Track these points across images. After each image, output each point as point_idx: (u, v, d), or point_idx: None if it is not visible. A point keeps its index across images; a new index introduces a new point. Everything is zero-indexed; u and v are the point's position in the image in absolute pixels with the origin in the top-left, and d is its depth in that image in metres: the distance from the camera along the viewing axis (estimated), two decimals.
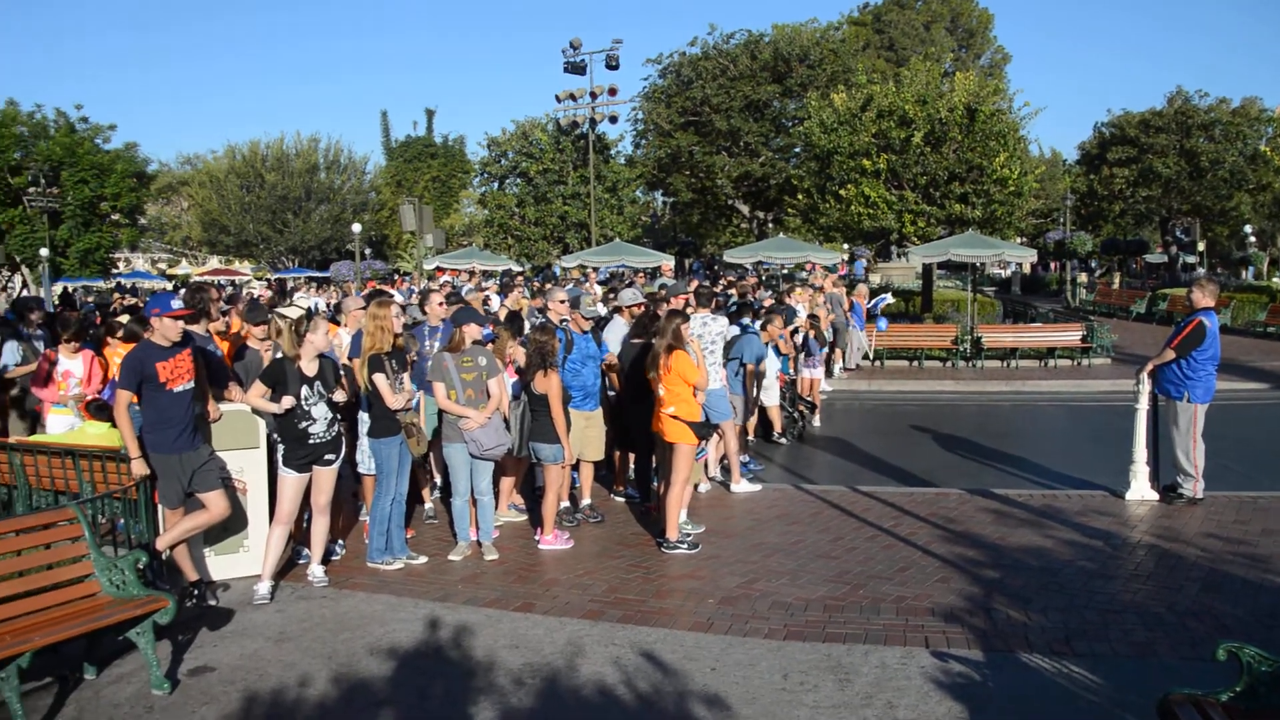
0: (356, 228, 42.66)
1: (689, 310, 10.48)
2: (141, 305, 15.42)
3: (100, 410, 9.22)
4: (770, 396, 13.96)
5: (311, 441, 7.71)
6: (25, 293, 43.66)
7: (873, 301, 23.70)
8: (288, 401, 7.58)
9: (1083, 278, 50.80)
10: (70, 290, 35.66)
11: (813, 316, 16.64)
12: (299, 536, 8.46)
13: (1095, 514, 9.75)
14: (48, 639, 5.45)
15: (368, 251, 55.37)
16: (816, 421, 16.11)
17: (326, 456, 7.82)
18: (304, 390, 7.65)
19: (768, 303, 15.32)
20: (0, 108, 48.09)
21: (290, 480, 7.74)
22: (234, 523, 7.98)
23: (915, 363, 23.96)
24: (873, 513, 10.09)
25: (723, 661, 6.32)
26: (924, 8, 69.72)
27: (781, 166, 45.10)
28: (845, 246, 42.42)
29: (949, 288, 43.24)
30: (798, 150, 44.09)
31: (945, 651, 6.40)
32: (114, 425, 9.07)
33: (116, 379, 9.77)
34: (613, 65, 37.25)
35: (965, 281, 41.05)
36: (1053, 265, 63.08)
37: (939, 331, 25.06)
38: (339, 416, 7.99)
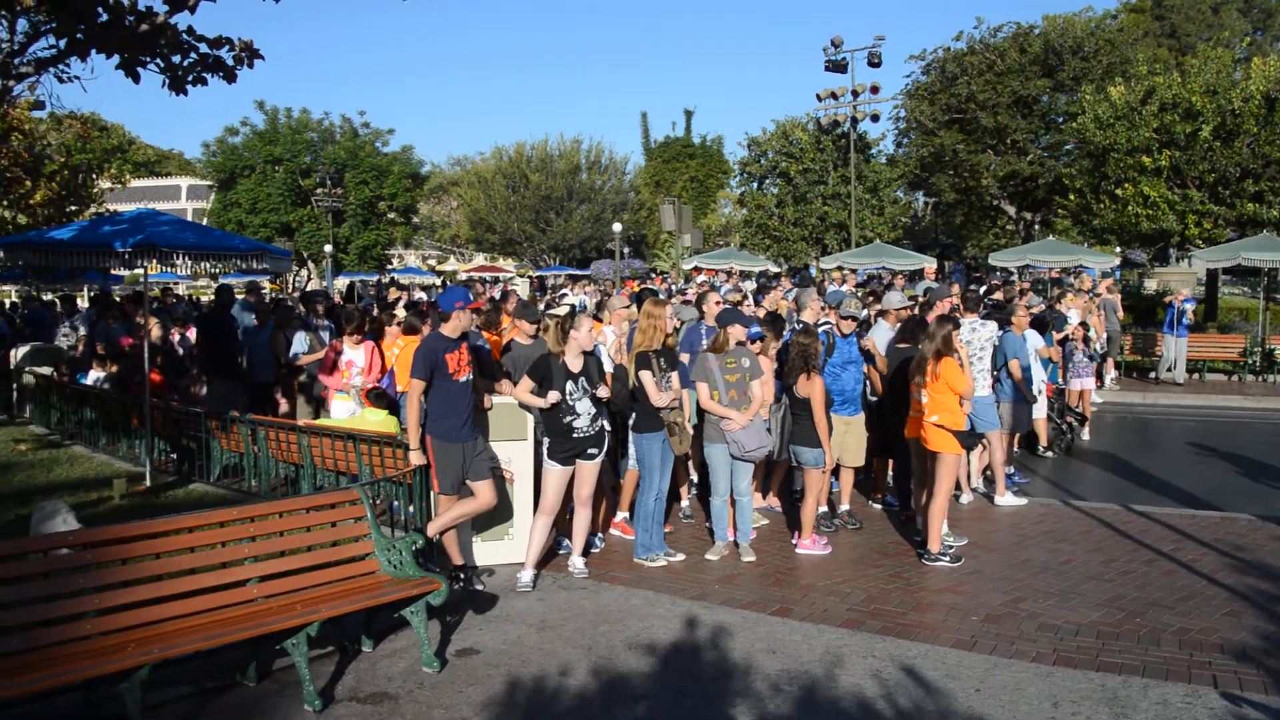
0: (617, 227, 43.55)
1: (956, 315, 10.17)
2: (425, 300, 16.24)
3: (380, 398, 9.78)
4: (1038, 408, 13.33)
5: (575, 435, 7.87)
6: (311, 286, 46.92)
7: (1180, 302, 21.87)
8: (554, 396, 7.79)
9: None
10: (354, 284, 38.07)
11: (1083, 324, 15.85)
12: (562, 527, 8.72)
13: None
14: (334, 611, 5.76)
15: (626, 250, 56.49)
16: (1086, 435, 15.31)
17: (590, 450, 7.97)
18: (569, 386, 7.83)
19: (1034, 310, 14.67)
20: (295, 116, 52.06)
21: (554, 472, 7.94)
22: (500, 511, 8.24)
23: (1196, 375, 22.35)
24: (1150, 535, 9.44)
25: (987, 683, 6.04)
26: None
27: (1051, 165, 43.01)
28: (1118, 250, 40.20)
29: (1235, 295, 40.24)
30: (1069, 148, 41.96)
31: (1238, 694, 5.84)
32: (391, 413, 9.65)
33: (395, 368, 10.44)
34: (875, 63, 36.57)
35: (1255, 288, 38.10)
36: None
37: (1224, 342, 23.31)
38: (604, 412, 8.15)
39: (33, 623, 5.03)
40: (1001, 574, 8.28)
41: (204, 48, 8.71)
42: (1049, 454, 13.69)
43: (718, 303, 10.22)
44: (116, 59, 8.25)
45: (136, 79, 8.45)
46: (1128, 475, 12.84)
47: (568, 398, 7.82)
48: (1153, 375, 21.78)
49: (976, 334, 10.50)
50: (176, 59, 8.69)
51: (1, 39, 8.07)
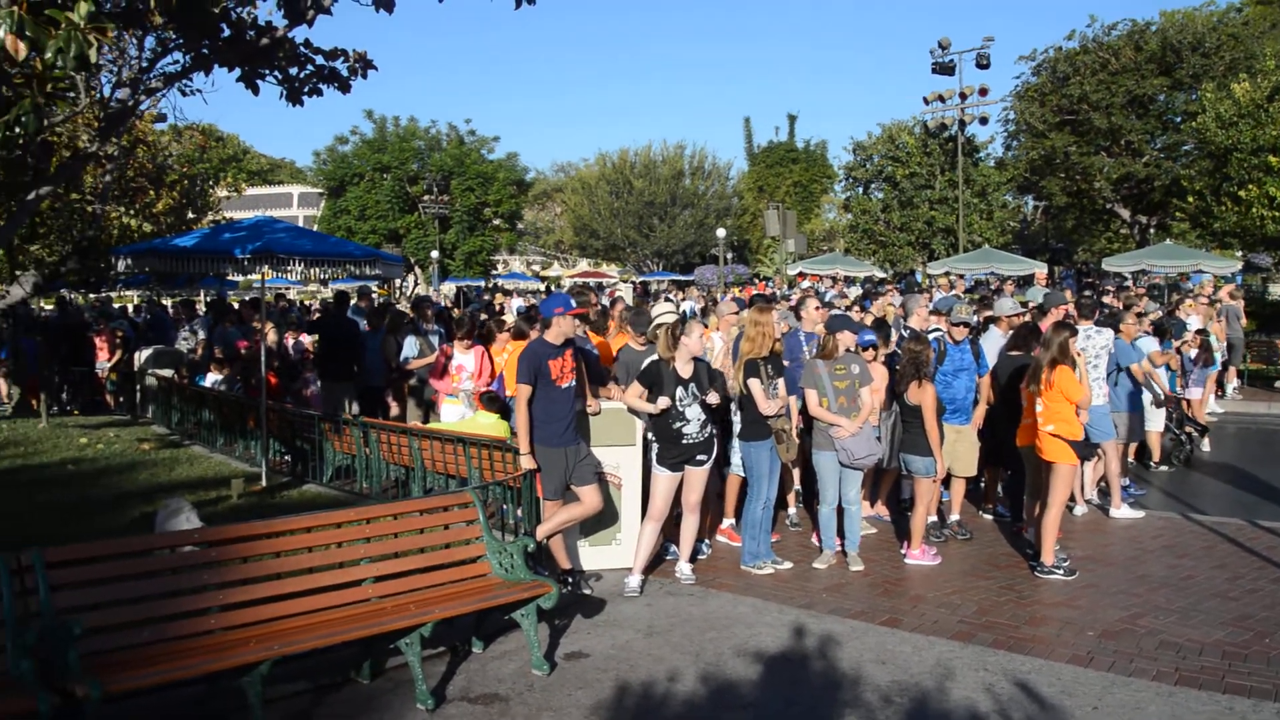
0: (721, 232, 43.59)
1: (1070, 321, 9.95)
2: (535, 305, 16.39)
3: (492, 402, 9.90)
4: (1153, 421, 12.94)
5: (685, 441, 7.87)
6: (418, 291, 47.83)
7: None
8: (663, 402, 7.81)
9: None
10: (465, 289, 38.81)
11: (1201, 331, 15.37)
12: (668, 533, 8.73)
13: None
14: (447, 613, 5.84)
15: (729, 256, 56.42)
16: (1206, 446, 14.81)
17: (699, 457, 7.95)
18: (679, 392, 7.84)
19: (1151, 316, 14.27)
20: (402, 124, 53.14)
21: (663, 478, 7.95)
22: (607, 516, 8.28)
23: None
24: (1278, 552, 9.07)
25: (1105, 701, 5.86)
26: None
27: (1168, 166, 41.73)
28: (1240, 254, 38.88)
29: None
30: (1188, 148, 40.73)
31: None
32: (503, 417, 9.76)
33: (504, 373, 10.56)
34: (983, 64, 35.99)
35: None
36: None
37: None
38: (713, 418, 8.12)
39: (160, 617, 5.21)
40: (1118, 589, 8.05)
41: (320, 59, 8.93)
42: (1162, 468, 13.27)
43: (817, 308, 10.15)
44: (237, 72, 8.51)
45: (256, 91, 8.70)
46: (1251, 489, 12.37)
47: (677, 404, 7.83)
48: (1278, 385, 20.97)
49: (1091, 341, 10.24)
50: (294, 71, 8.92)
51: (130, 56, 8.39)
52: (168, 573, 5.41)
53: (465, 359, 11.08)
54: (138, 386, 18.43)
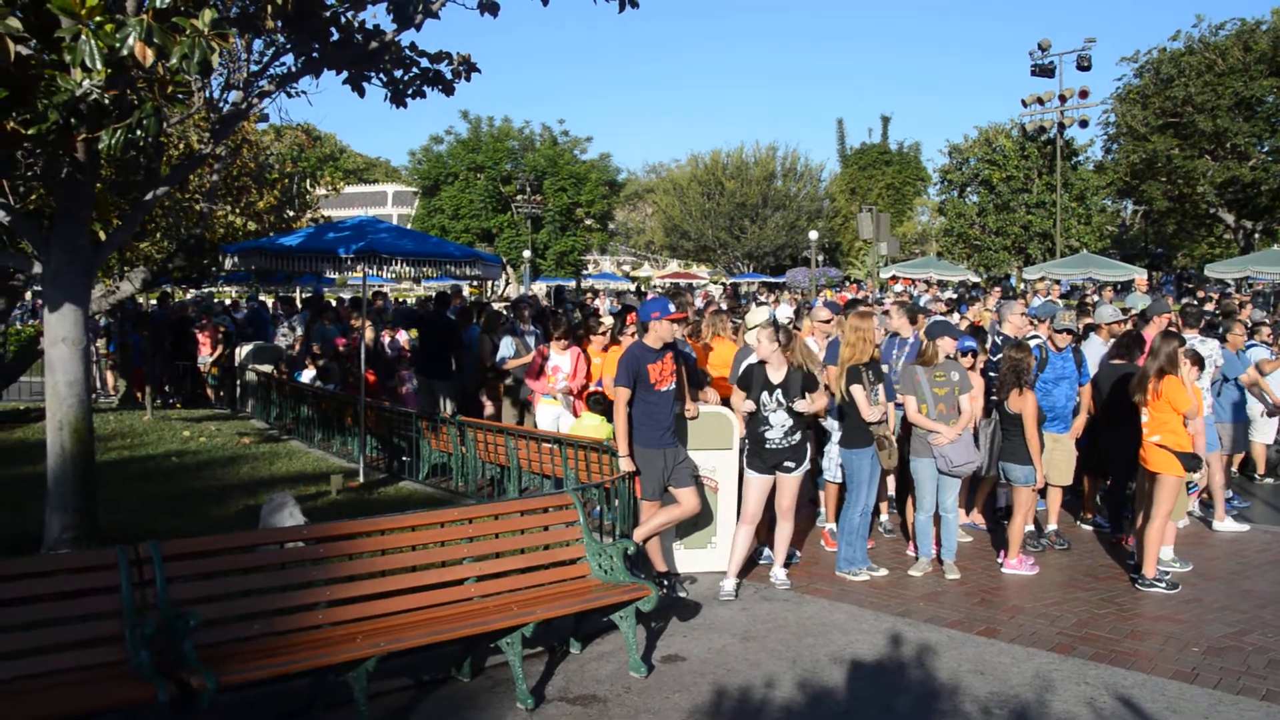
0: (814, 235, 43.39)
1: (1174, 329, 9.73)
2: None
3: (598, 404, 9.96)
4: (1260, 432, 12.56)
5: (768, 447, 7.84)
6: (510, 290, 48.31)
7: None
8: (748, 405, 7.83)
9: None
10: (564, 289, 39.15)
11: None
12: (764, 537, 8.71)
13: None
14: (549, 614, 5.90)
15: (821, 258, 56.08)
16: None
17: (786, 464, 7.90)
18: (764, 396, 7.83)
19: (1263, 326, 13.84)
20: (497, 124, 53.70)
21: (754, 481, 7.93)
22: (702, 519, 8.30)
23: None
24: None
25: (1212, 719, 5.78)
26: None
27: (1276, 170, 40.57)
28: None
29: None
30: None
31: None
32: (608, 419, 9.82)
33: (604, 377, 10.62)
34: (1084, 66, 35.38)
35: None
36: None
37: None
38: (803, 426, 8.03)
39: (269, 611, 5.35)
40: (1223, 604, 7.86)
41: (425, 62, 9.05)
42: (1267, 480, 12.88)
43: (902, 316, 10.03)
44: (344, 74, 8.68)
45: (362, 93, 8.86)
46: None
47: (762, 408, 7.82)
48: None
49: (1199, 351, 9.99)
50: (399, 73, 9.06)
51: (240, 58, 8.60)
52: (277, 568, 5.54)
53: (561, 360, 11.15)
54: (238, 381, 18.91)
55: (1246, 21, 42.23)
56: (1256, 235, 44.85)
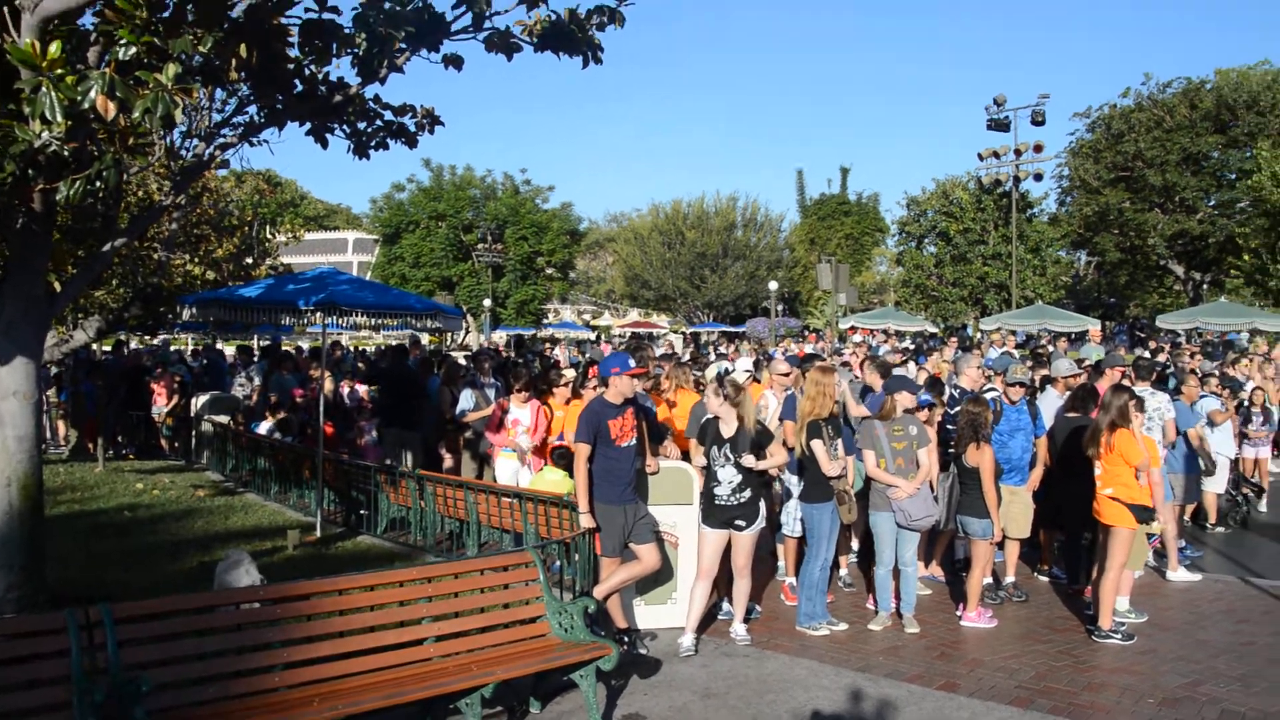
0: (773, 285, 43.69)
1: (1126, 382, 9.87)
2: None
3: (562, 458, 9.91)
4: (1212, 482, 12.73)
5: (718, 502, 7.84)
6: (470, 339, 48.20)
7: None
8: (699, 460, 7.85)
9: None
10: (525, 338, 39.09)
11: (1257, 389, 15.16)
12: (724, 591, 8.68)
13: None
14: (509, 674, 5.84)
15: (781, 308, 56.41)
16: (1263, 506, 14.56)
17: (736, 522, 7.86)
18: (714, 451, 7.85)
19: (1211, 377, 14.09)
20: (459, 173, 53.85)
21: (709, 536, 7.92)
22: (663, 575, 8.25)
23: None
24: None
25: None
26: None
27: (1223, 224, 41.48)
28: None
29: None
30: (1243, 206, 40.46)
31: None
32: (571, 474, 9.78)
33: (564, 430, 10.58)
34: (1038, 121, 36.06)
35: None
36: None
37: None
38: (754, 484, 7.95)
39: (225, 674, 5.24)
40: (1177, 654, 7.94)
41: (388, 115, 9.06)
42: (1218, 530, 13.04)
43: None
44: (307, 126, 8.67)
45: (325, 145, 8.85)
46: None
47: (712, 463, 7.83)
48: None
49: (1147, 403, 10.13)
50: (362, 125, 9.06)
51: (204, 108, 8.58)
52: (233, 629, 5.45)
53: (521, 413, 11.10)
54: (193, 432, 18.65)
55: (1192, 80, 43.48)
56: (1205, 286, 45.78)
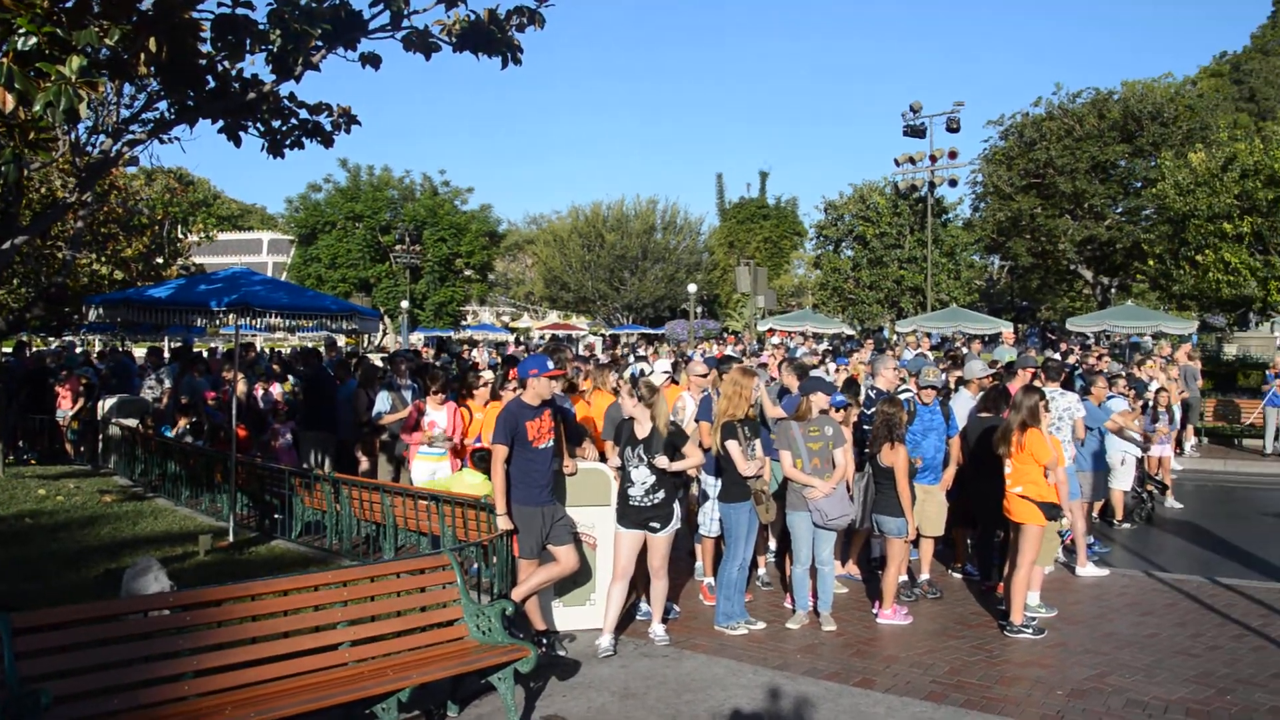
0: (692, 288, 43.90)
1: (1037, 383, 10.08)
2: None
3: (482, 460, 9.82)
4: (1119, 480, 13.10)
5: (632, 503, 7.87)
6: (387, 341, 47.70)
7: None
8: (613, 461, 7.85)
9: None
10: (447, 340, 38.71)
11: (1161, 390, 15.62)
12: (642, 591, 8.68)
13: None
14: (425, 677, 5.79)
15: (700, 310, 56.67)
16: (1169, 502, 15.04)
17: (651, 524, 7.90)
18: (628, 452, 7.87)
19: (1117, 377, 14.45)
20: (376, 173, 53.24)
21: (624, 537, 7.94)
22: (581, 576, 8.24)
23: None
24: (1237, 609, 9.23)
25: None
26: None
27: (1129, 230, 42.64)
28: (1196, 315, 39.53)
29: None
30: (1148, 213, 41.65)
31: None
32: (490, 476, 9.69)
33: (482, 432, 10.50)
34: (953, 128, 36.63)
35: None
36: None
37: None
38: (668, 485, 7.98)
39: (132, 683, 5.09)
40: (1085, 647, 8.14)
41: (304, 114, 8.94)
42: (1125, 526, 13.41)
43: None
44: (220, 124, 8.50)
45: (238, 143, 8.68)
46: (1210, 546, 12.56)
47: (626, 464, 7.85)
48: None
49: (1055, 403, 10.36)
50: (277, 124, 8.92)
51: (110, 103, 8.37)
52: (140, 638, 5.29)
53: (438, 415, 10.99)
54: (100, 436, 18.15)
55: (1100, 91, 44.63)
56: (1113, 290, 46.98)
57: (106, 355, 26.33)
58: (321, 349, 20.44)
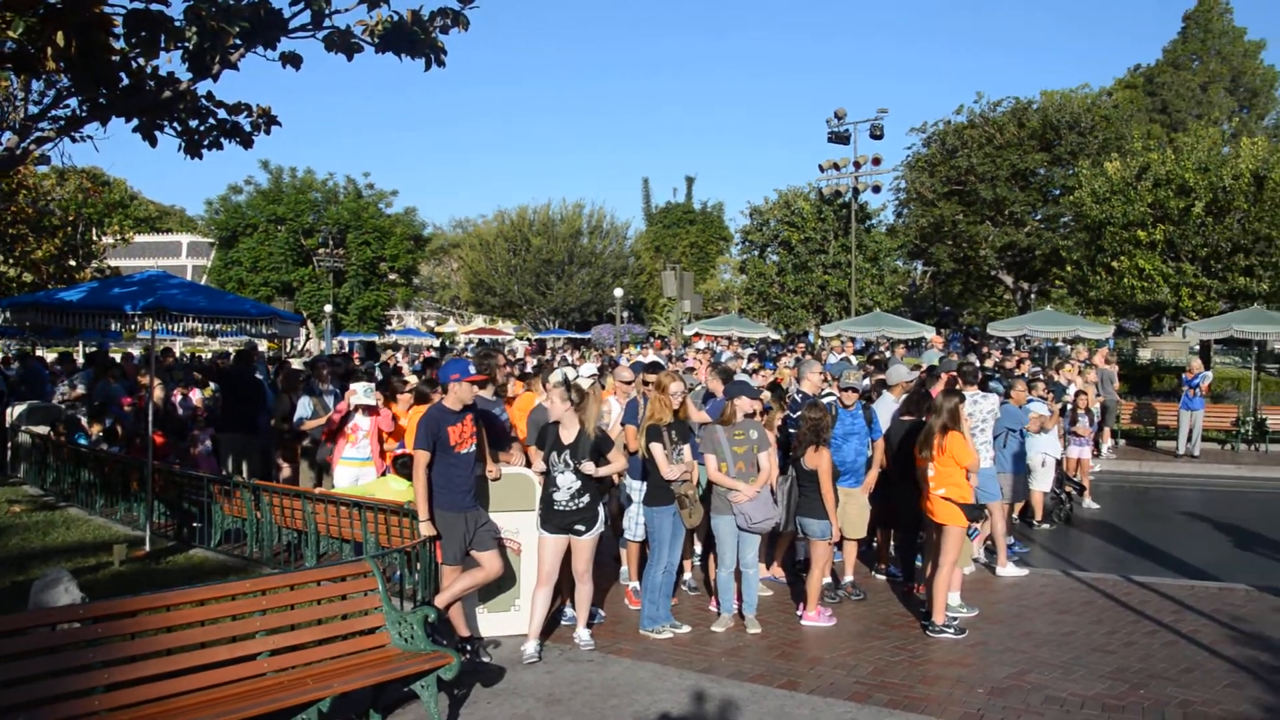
0: (619, 292, 43.85)
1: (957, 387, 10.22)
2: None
3: (404, 466, 9.72)
4: (1039, 481, 13.35)
5: (556, 507, 7.84)
6: (310, 345, 47.04)
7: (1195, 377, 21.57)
8: (538, 465, 7.82)
9: None
10: (374, 344, 38.21)
11: (1080, 393, 15.97)
12: (567, 596, 8.64)
13: None
14: (345, 687, 5.70)
15: (626, 315, 56.70)
16: (1086, 503, 15.39)
17: (576, 527, 7.88)
18: (553, 456, 7.84)
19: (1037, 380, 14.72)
20: (299, 175, 52.47)
21: (547, 542, 7.90)
22: (505, 581, 8.18)
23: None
24: (1150, 605, 9.47)
25: None
26: (1201, 68, 65.34)
27: (1048, 237, 43.46)
28: (1112, 320, 40.44)
29: (1227, 365, 40.53)
30: (1066, 220, 42.49)
31: None
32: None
33: (405, 438, 10.39)
34: (877, 135, 37.04)
35: (1246, 358, 38.45)
36: None
37: (1217, 412, 23.33)
38: (593, 489, 7.98)
39: (38, 700, 4.93)
40: (1005, 646, 8.29)
41: (222, 114, 8.74)
42: (1044, 526, 13.67)
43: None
44: (135, 122, 8.28)
45: (154, 143, 8.45)
46: (1126, 545, 12.88)
47: (551, 468, 7.82)
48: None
49: (978, 406, 10.52)
50: (194, 123, 8.70)
51: (17, 99, 8.12)
52: (46, 652, 5.12)
53: (361, 420, 10.86)
54: (9, 444, 17.63)
55: (1020, 100, 45.48)
56: (1033, 296, 47.86)
57: (15, 360, 25.65)
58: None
